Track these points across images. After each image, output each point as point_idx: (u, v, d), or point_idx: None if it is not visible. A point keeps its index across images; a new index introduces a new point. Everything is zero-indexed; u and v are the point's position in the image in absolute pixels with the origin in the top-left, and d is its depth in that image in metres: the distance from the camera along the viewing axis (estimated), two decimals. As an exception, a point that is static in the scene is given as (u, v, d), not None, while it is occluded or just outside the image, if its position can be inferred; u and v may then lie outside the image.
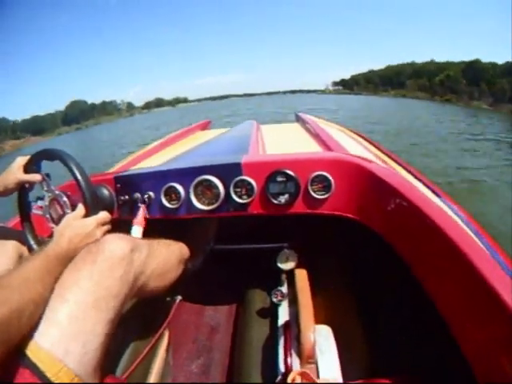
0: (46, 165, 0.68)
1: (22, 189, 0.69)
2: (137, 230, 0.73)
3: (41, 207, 0.70)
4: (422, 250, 0.51)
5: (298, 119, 1.98)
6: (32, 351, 0.40)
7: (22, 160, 0.68)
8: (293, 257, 0.77)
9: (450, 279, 0.43)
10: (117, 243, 0.54)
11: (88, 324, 0.45)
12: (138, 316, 0.81)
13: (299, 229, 0.86)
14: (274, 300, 0.74)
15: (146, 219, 0.75)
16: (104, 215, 0.61)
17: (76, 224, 0.57)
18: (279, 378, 0.56)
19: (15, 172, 0.66)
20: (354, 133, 1.64)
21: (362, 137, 1.56)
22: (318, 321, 0.61)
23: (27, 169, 0.67)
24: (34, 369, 0.39)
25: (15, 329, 0.38)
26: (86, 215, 0.60)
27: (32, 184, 0.69)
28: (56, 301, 0.45)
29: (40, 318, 0.43)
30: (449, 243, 0.42)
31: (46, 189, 0.68)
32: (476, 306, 0.38)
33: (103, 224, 0.61)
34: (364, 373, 0.62)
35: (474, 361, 0.37)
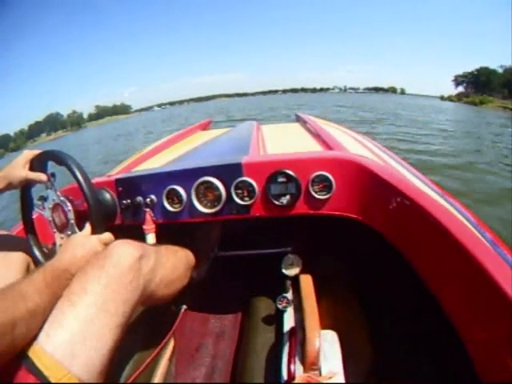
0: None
1: (26, 185, 0.68)
2: (150, 236, 0.74)
3: (43, 207, 0.70)
4: (425, 249, 0.50)
5: (299, 119, 2.01)
6: (36, 355, 0.40)
7: (29, 154, 0.66)
8: (297, 262, 0.77)
9: (454, 278, 0.43)
10: (125, 249, 0.54)
11: (95, 328, 0.45)
12: (143, 324, 0.81)
13: (302, 231, 0.86)
14: (279, 306, 0.73)
15: (155, 224, 0.75)
16: (108, 236, 0.62)
17: (80, 241, 0.58)
18: None
19: (21, 168, 0.65)
20: (355, 132, 1.65)
21: (363, 136, 1.56)
22: (323, 326, 0.61)
23: (34, 165, 0.66)
24: (38, 374, 0.39)
25: (9, 338, 0.38)
26: (92, 233, 0.60)
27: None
28: (64, 305, 0.45)
29: (40, 327, 0.43)
30: (453, 242, 0.42)
31: (50, 191, 0.67)
32: (482, 306, 0.38)
33: (106, 244, 0.61)
34: (369, 378, 0.62)
35: (480, 363, 0.37)
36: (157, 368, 0.74)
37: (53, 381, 0.39)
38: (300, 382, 0.53)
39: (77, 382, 0.41)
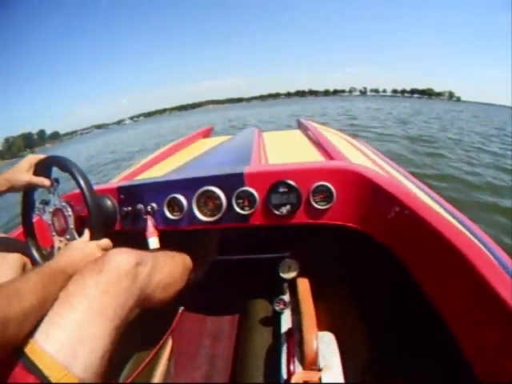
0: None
1: (28, 189, 0.69)
2: (153, 241, 0.74)
3: (44, 211, 0.72)
4: (423, 257, 0.52)
5: (300, 125, 2.03)
6: (37, 355, 0.41)
7: (33, 159, 0.67)
8: (294, 266, 0.78)
9: (451, 284, 0.44)
10: (122, 257, 0.55)
11: (94, 330, 0.46)
12: (141, 325, 0.81)
13: (301, 238, 0.88)
14: (277, 308, 0.74)
15: (157, 229, 0.75)
16: (106, 241, 0.65)
17: (78, 245, 0.61)
18: None
19: (24, 172, 0.66)
20: (355, 139, 1.67)
21: (363, 143, 1.59)
22: (320, 328, 0.62)
23: (38, 169, 0.67)
24: (38, 373, 0.39)
25: (0, 336, 0.37)
26: (91, 239, 0.63)
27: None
28: (62, 307, 0.46)
29: (34, 327, 0.43)
30: (448, 248, 0.43)
31: (52, 196, 0.69)
32: (478, 310, 0.39)
33: (104, 250, 0.63)
34: (367, 379, 0.64)
35: (476, 363, 0.38)
36: (156, 368, 0.76)
37: (53, 381, 0.39)
38: (299, 380, 0.54)
39: (77, 381, 0.41)
